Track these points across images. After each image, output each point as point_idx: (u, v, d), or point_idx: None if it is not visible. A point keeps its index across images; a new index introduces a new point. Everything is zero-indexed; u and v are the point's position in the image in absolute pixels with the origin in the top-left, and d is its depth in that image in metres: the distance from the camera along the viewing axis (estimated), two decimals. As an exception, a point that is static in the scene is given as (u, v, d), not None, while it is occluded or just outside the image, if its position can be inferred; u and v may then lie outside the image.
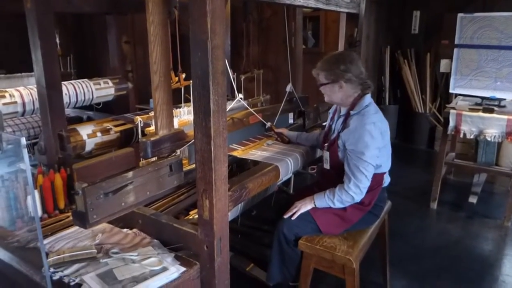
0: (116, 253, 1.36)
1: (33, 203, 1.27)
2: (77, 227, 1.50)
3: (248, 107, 2.27)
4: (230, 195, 1.46)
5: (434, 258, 2.72)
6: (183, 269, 1.31)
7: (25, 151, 1.08)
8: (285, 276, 2.03)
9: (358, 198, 1.89)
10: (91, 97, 2.63)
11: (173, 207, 1.90)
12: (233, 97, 2.26)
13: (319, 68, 1.96)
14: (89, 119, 2.77)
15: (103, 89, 2.70)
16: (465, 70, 3.42)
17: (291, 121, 2.77)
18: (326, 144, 2.06)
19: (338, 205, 1.91)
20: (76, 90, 2.54)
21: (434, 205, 3.47)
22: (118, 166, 1.73)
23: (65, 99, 2.39)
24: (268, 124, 2.34)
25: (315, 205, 1.94)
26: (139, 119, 1.72)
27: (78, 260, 1.32)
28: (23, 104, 2.23)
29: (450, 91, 3.63)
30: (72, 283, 1.23)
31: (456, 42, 3.42)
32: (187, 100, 2.08)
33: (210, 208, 1.27)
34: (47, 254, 1.31)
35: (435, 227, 3.21)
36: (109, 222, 1.53)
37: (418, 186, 3.94)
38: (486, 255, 2.79)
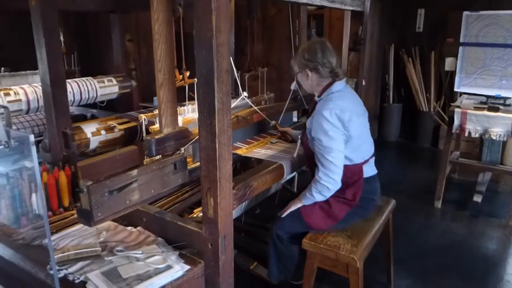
0: (121, 251, 1.37)
1: (41, 201, 1.27)
2: (81, 225, 1.50)
3: (253, 105, 2.27)
4: (234, 193, 1.46)
5: (439, 257, 2.70)
6: (187, 267, 1.31)
7: (33, 149, 1.08)
8: (283, 274, 2.06)
9: (332, 187, 1.82)
10: (95, 95, 2.64)
11: (178, 205, 1.91)
12: (237, 95, 2.26)
13: (292, 59, 2.01)
14: (93, 117, 2.78)
15: (107, 87, 2.71)
16: (470, 68, 3.40)
17: (295, 119, 2.76)
18: (300, 137, 2.05)
19: (318, 197, 1.86)
20: (80, 88, 2.55)
21: (438, 204, 3.45)
22: (123, 164, 1.73)
23: (69, 97, 2.39)
24: (273, 123, 2.34)
25: (301, 202, 1.93)
26: (143, 117, 1.72)
27: (82, 258, 1.32)
28: (28, 102, 2.24)
29: (455, 89, 3.60)
30: (77, 281, 1.24)
31: (461, 40, 3.40)
32: (191, 98, 2.08)
33: (215, 206, 1.27)
34: (51, 252, 1.31)
35: (440, 226, 3.20)
36: (114, 220, 1.54)
37: (422, 185, 3.92)
38: (491, 254, 2.77)
